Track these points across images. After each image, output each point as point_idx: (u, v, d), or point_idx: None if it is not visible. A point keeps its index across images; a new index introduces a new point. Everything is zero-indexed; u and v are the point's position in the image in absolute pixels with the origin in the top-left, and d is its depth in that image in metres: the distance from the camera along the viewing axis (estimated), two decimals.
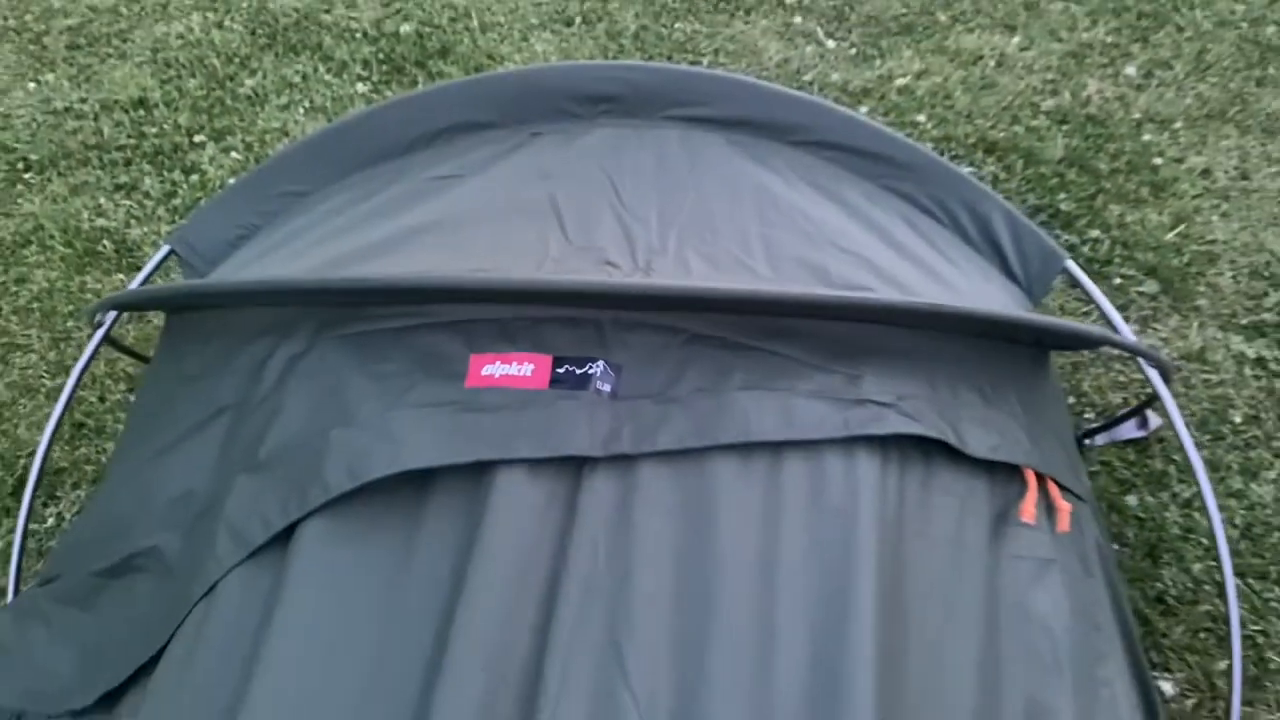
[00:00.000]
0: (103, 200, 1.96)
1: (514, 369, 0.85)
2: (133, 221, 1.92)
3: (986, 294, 1.04)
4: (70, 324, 1.75)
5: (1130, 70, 2.16)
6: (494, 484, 0.82)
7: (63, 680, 1.00)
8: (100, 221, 1.92)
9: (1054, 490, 0.98)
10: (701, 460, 0.84)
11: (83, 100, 2.19)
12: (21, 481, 1.53)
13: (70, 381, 1.19)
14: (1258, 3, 2.33)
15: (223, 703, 0.84)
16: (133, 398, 1.64)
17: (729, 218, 1.04)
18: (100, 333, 1.15)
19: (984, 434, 0.92)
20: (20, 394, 1.66)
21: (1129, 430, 1.51)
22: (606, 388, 0.84)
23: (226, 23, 2.38)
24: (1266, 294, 1.73)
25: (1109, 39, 2.25)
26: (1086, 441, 1.53)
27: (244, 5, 2.42)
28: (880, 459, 0.86)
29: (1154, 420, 1.55)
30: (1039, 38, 2.26)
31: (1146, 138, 2.01)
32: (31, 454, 1.55)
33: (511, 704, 0.76)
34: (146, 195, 1.97)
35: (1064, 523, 0.97)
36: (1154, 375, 1.12)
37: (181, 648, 0.89)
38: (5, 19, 2.39)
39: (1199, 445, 1.50)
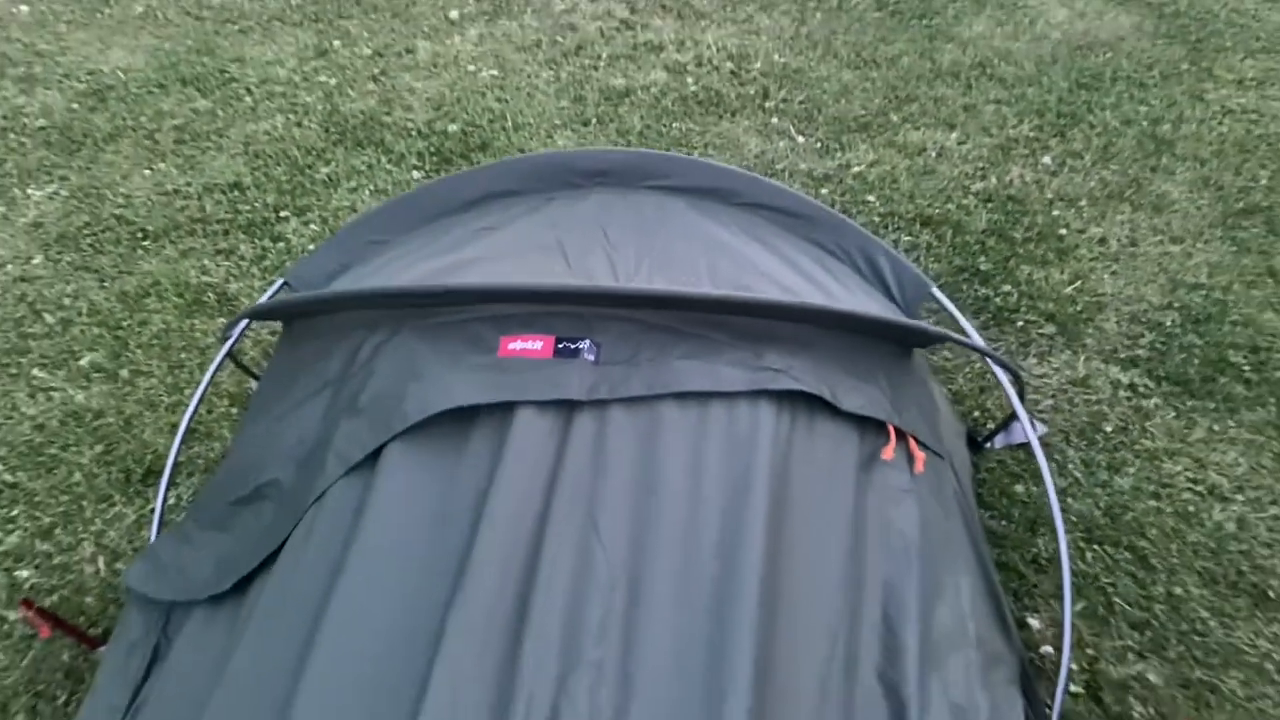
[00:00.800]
0: (206, 262, 2.41)
1: (529, 345, 1.25)
2: (231, 279, 2.36)
3: (866, 306, 1.45)
4: (183, 356, 2.18)
5: (1047, 159, 2.59)
6: (514, 420, 1.22)
7: (205, 579, 1.39)
8: (205, 278, 2.36)
9: (913, 444, 1.36)
10: (653, 405, 1.23)
11: (188, 184, 2.65)
12: (149, 471, 1.94)
13: (205, 379, 1.61)
14: (1158, 106, 2.76)
15: (326, 575, 1.22)
16: (234, 410, 2.07)
17: (684, 253, 1.45)
18: (232, 337, 1.57)
19: (855, 397, 1.31)
20: (145, 409, 2.07)
21: (1018, 435, 1.89)
22: (591, 357, 1.25)
23: (304, 123, 2.86)
24: (1142, 335, 2.12)
25: (1031, 134, 2.69)
26: (986, 445, 1.91)
27: (319, 108, 2.90)
28: (775, 408, 1.25)
29: (1040, 428, 1.94)
30: (974, 134, 2.70)
31: (1055, 213, 2.42)
32: (155, 453, 1.97)
33: (524, 555, 1.14)
34: (242, 258, 2.41)
35: (920, 466, 1.35)
36: (1002, 374, 1.51)
37: (297, 540, 1.27)
38: (124, 119, 2.88)
39: (1086, 457, 1.88)
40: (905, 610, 1.25)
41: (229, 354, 1.64)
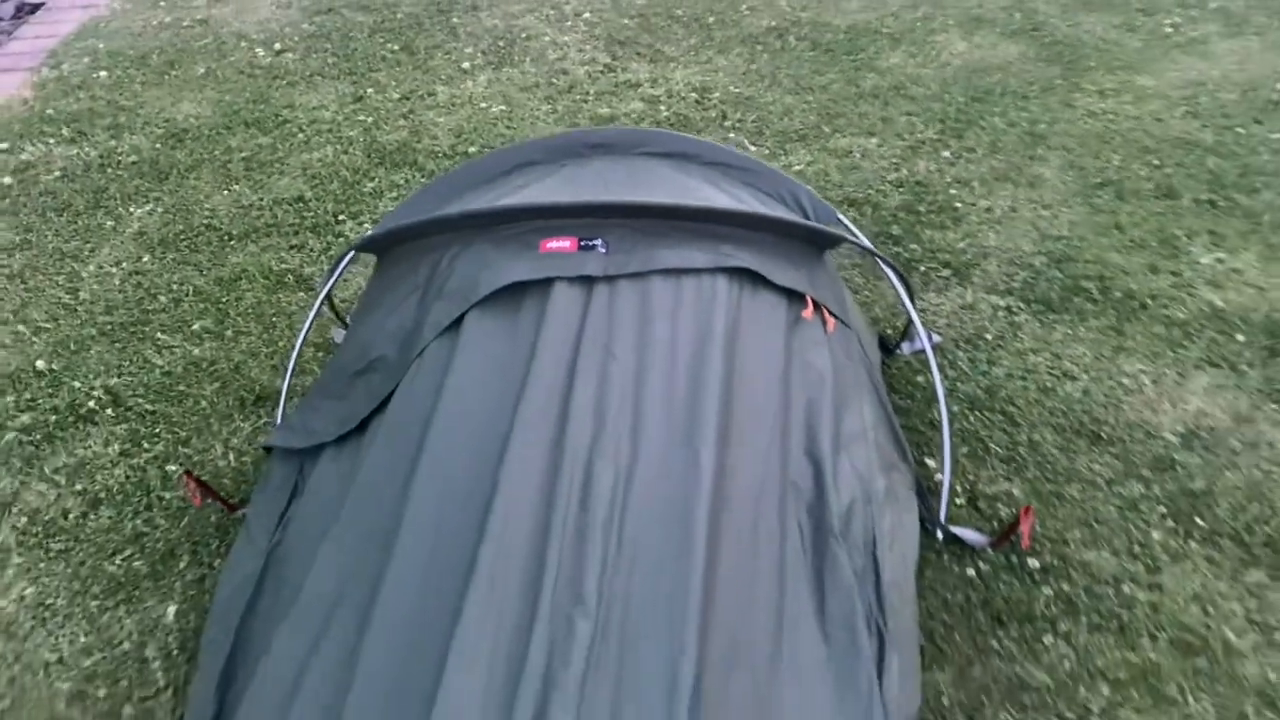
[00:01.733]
0: (283, 254, 2.96)
1: (561, 244, 1.81)
2: (304, 265, 2.91)
3: (788, 218, 2.02)
4: (274, 319, 2.72)
5: (947, 154, 3.20)
6: (552, 292, 1.76)
7: (330, 429, 1.92)
8: (283, 265, 2.91)
9: (825, 312, 1.92)
10: (646, 279, 1.78)
11: (260, 199, 3.22)
12: (258, 398, 2.46)
13: (315, 304, 2.16)
14: (1036, 111, 3.39)
15: (427, 407, 1.75)
16: (321, 355, 2.60)
17: (661, 190, 2.02)
18: (338, 270, 2.13)
19: (783, 275, 1.86)
20: (248, 357, 2.60)
21: (919, 343, 2.45)
22: (603, 250, 1.80)
23: (350, 151, 3.44)
24: (1017, 273, 2.70)
25: (935, 137, 3.30)
26: (896, 349, 2.47)
27: (360, 139, 3.49)
28: (728, 281, 1.80)
29: (936, 337, 2.50)
30: (889, 139, 3.31)
31: (952, 192, 3.02)
32: (261, 385, 2.49)
33: (564, 376, 1.67)
34: (311, 250, 2.97)
35: (830, 328, 1.91)
36: (891, 274, 2.09)
37: (403, 387, 1.81)
38: (200, 154, 3.46)
39: (970, 357, 2.45)
40: (822, 416, 1.78)
41: (328, 295, 2.20)
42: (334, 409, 1.96)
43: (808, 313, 1.87)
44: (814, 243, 2.00)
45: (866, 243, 2.03)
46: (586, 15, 4.20)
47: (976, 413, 2.29)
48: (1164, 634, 1.81)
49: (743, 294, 1.81)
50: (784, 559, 1.62)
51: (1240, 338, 2.43)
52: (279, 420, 2.20)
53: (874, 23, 4.02)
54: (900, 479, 1.94)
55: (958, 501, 2.10)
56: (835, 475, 1.73)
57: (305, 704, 1.42)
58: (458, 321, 1.80)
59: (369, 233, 2.15)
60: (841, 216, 2.09)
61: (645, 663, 1.35)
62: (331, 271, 2.16)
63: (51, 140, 3.53)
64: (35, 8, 4.74)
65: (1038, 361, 2.41)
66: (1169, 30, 3.85)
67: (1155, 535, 1.99)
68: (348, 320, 2.48)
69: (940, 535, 2.01)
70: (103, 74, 3.98)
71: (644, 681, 1.33)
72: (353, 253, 2.11)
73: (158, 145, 3.49)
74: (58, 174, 3.35)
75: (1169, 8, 4.00)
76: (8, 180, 3.31)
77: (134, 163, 3.39)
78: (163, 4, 4.52)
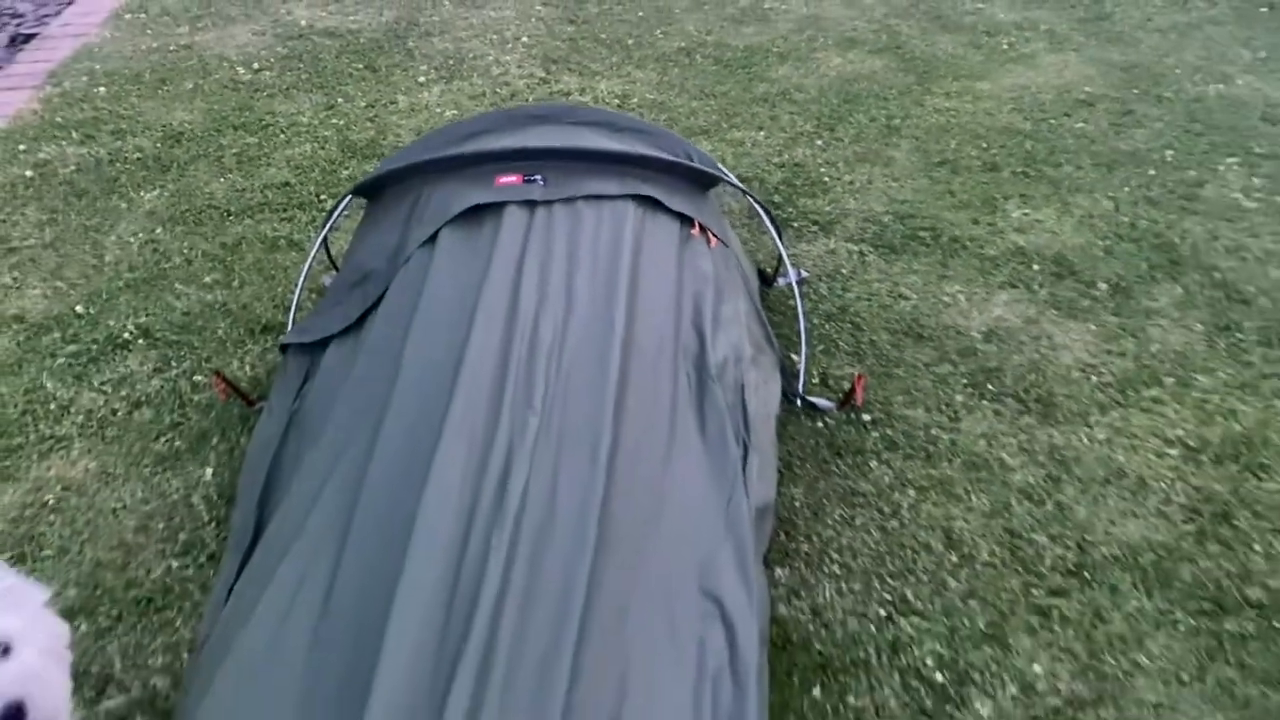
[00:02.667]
0: (277, 226, 3.51)
1: (510, 179, 2.40)
2: (294, 233, 3.47)
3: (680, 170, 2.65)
4: (273, 273, 3.26)
5: (819, 142, 3.88)
6: (504, 214, 2.35)
7: (334, 325, 2.48)
8: (277, 233, 3.46)
9: (710, 233, 2.54)
10: (575, 203, 2.36)
11: (252, 185, 3.76)
12: (265, 328, 3.00)
13: (317, 240, 2.73)
14: (893, 110, 4.09)
15: (412, 302, 2.31)
16: (315, 297, 3.15)
17: (586, 143, 2.63)
18: (339, 209, 2.70)
19: (677, 203, 2.47)
20: (254, 300, 3.13)
21: (791, 276, 3.09)
22: (542, 183, 2.41)
23: (326, 147, 4.00)
24: (869, 227, 3.36)
25: (811, 130, 3.97)
26: (774, 283, 3.09)
27: (334, 138, 4.06)
28: (635, 205, 2.41)
29: (804, 273, 3.14)
30: (775, 132, 3.98)
31: (822, 170, 3.69)
32: (267, 319, 3.04)
33: (514, 273, 2.24)
34: (299, 222, 3.52)
35: (713, 244, 2.53)
36: (760, 209, 2.72)
37: (392, 288, 2.38)
38: (197, 151, 4.00)
39: (830, 286, 3.09)
40: (705, 302, 2.37)
41: (325, 240, 2.77)
42: (337, 311, 2.51)
43: (695, 232, 2.48)
44: (699, 182, 2.62)
45: (737, 182, 2.66)
46: (524, 39, 4.83)
47: (831, 323, 2.93)
48: (958, 459, 2.45)
49: (646, 216, 2.42)
50: (675, 392, 2.20)
51: (1035, 267, 3.10)
52: (290, 327, 2.75)
53: (766, 44, 4.71)
54: (766, 359, 2.54)
55: (813, 381, 2.72)
56: (714, 342, 2.31)
57: (325, 507, 1.87)
58: (433, 237, 2.37)
59: (360, 180, 2.73)
60: (722, 167, 2.72)
61: (575, 445, 1.90)
62: (330, 214, 2.73)
63: (64, 142, 4.04)
64: (29, 38, 5.24)
65: (880, 288, 3.06)
66: (1005, 47, 4.60)
67: (958, 398, 2.63)
68: (338, 265, 3.04)
69: (799, 403, 2.62)
70: (101, 89, 4.49)
71: (574, 455, 1.87)
72: (349, 197, 2.68)
73: (158, 145, 4.02)
74: (73, 168, 3.86)
75: (1007, 30, 4.76)
76: (29, 173, 3.81)
77: (139, 159, 3.92)
78: (149, 31, 5.05)
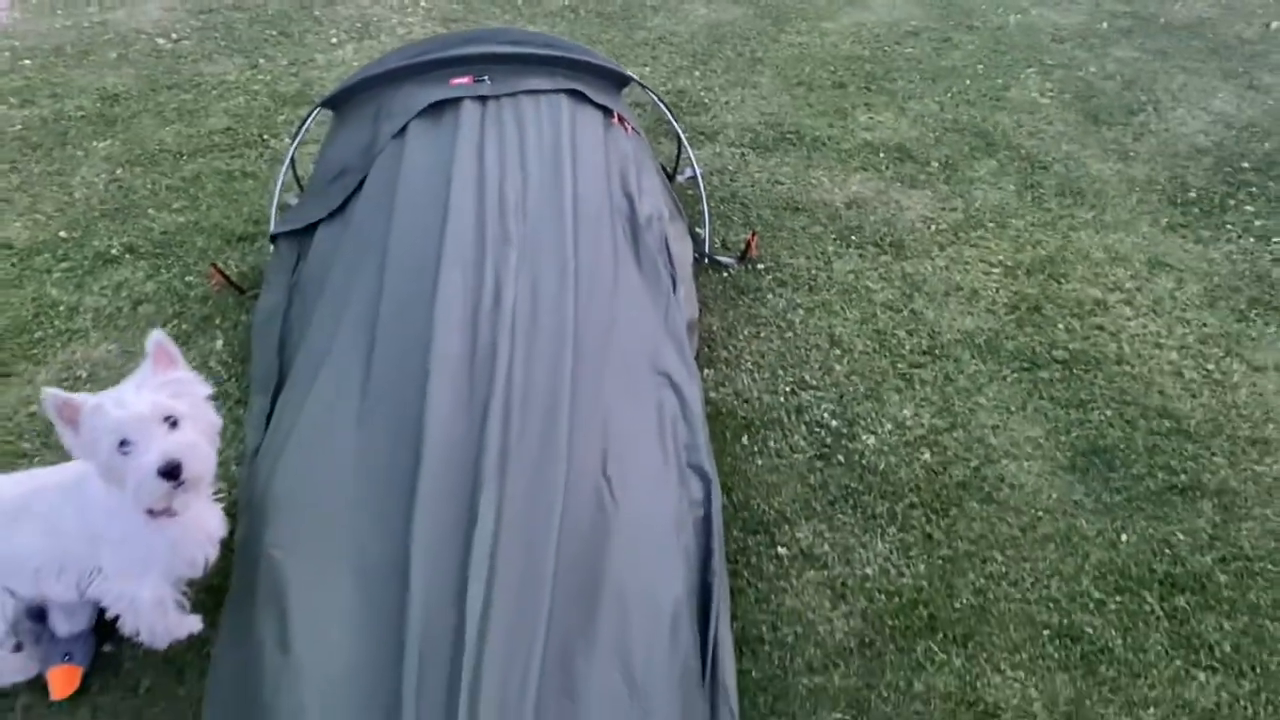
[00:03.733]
0: (228, 161, 3.84)
1: (462, 80, 2.87)
2: (246, 166, 3.83)
3: (605, 74, 3.16)
4: (236, 198, 3.63)
5: (696, 74, 4.45)
6: (461, 108, 2.82)
7: (320, 213, 2.91)
8: (230, 167, 3.81)
9: (627, 123, 3.07)
10: (519, 97, 2.85)
11: (198, 132, 4.06)
12: (239, 237, 3.38)
13: (293, 145, 3.14)
14: (755, 46, 4.70)
15: (392, 181, 2.72)
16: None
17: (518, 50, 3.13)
18: (307, 122, 3.11)
19: (599, 97, 2.97)
20: (223, 218, 3.50)
21: (687, 172, 3.64)
22: (489, 82, 2.89)
23: (258, 99, 4.33)
24: (746, 135, 3.94)
25: (688, 64, 4.54)
26: (676, 177, 3.64)
27: (264, 92, 4.40)
28: (566, 98, 2.90)
29: (700, 169, 3.70)
30: (659, 69, 4.53)
31: (702, 94, 4.26)
32: (238, 229, 3.42)
33: (476, 157, 2.71)
34: (249, 157, 3.87)
35: (629, 133, 3.06)
36: (666, 111, 3.27)
37: (372, 174, 2.81)
38: (136, 108, 4.29)
39: (720, 179, 3.66)
40: (629, 174, 2.88)
41: (293, 156, 3.18)
42: (319, 201, 2.91)
43: (615, 121, 3.01)
44: (613, 82, 3.15)
45: (642, 82, 3.21)
46: (423, 4, 5.26)
47: (724, 204, 3.50)
48: (834, 288, 3.06)
49: (575, 106, 2.92)
50: (615, 238, 2.70)
51: (881, 155, 3.76)
52: (272, 224, 3.14)
53: (640, 0, 5.28)
54: (679, 224, 3.09)
55: (716, 244, 3.28)
56: (640, 203, 2.82)
57: (346, 332, 2.29)
58: (402, 130, 2.81)
59: (328, 93, 3.14)
60: (635, 76, 3.25)
61: (547, 268, 2.37)
62: (300, 125, 3.14)
63: (3, 106, 4.27)
64: None
65: (760, 177, 3.65)
66: None
67: (830, 248, 3.24)
68: (303, 186, 3.44)
69: (708, 261, 3.18)
70: (26, 62, 4.70)
71: (548, 275, 2.35)
72: (317, 109, 3.10)
73: (98, 104, 4.29)
74: (19, 126, 4.10)
75: None
76: None
77: (82, 116, 4.19)
78: (59, 12, 5.25)
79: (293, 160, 3.17)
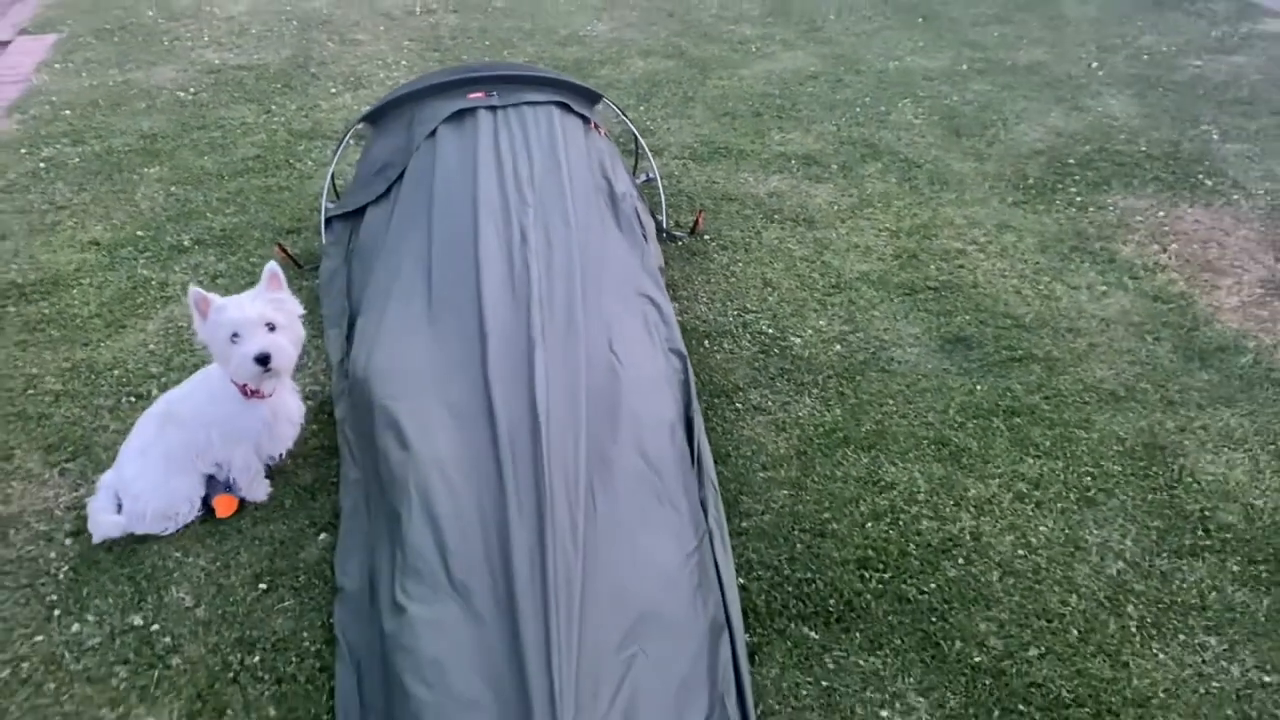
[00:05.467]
0: (265, 179, 4.57)
1: (477, 95, 3.71)
2: (280, 182, 4.57)
3: (582, 92, 4.03)
4: (275, 205, 4.38)
5: (642, 109, 5.38)
6: (478, 115, 3.65)
7: (365, 200, 3.70)
8: (267, 184, 4.55)
9: (601, 130, 3.93)
10: (520, 107, 3.69)
11: (230, 160, 4.81)
12: (288, 231, 4.14)
13: (337, 151, 3.93)
14: (688, 89, 5.65)
15: (429, 170, 3.53)
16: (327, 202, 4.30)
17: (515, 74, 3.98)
18: (345, 138, 3.90)
19: (579, 108, 3.84)
20: (270, 219, 4.24)
21: (652, 172, 4.49)
22: (497, 96, 3.74)
23: (278, 135, 5.10)
24: (685, 150, 4.85)
25: (632, 104, 5.47)
26: (640, 179, 4.50)
27: (282, 130, 5.18)
28: (557, 109, 3.76)
29: (656, 173, 4.58)
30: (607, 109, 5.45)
31: (647, 124, 5.17)
32: (291, 226, 4.18)
33: (493, 146, 3.54)
34: (283, 176, 4.63)
35: (603, 136, 3.92)
36: (630, 124, 4.15)
37: (410, 166, 3.61)
38: (174, 144, 5.02)
39: (670, 181, 4.53)
40: (606, 165, 3.70)
41: (336, 160, 3.97)
42: (366, 189, 3.68)
43: (591, 126, 3.88)
44: (587, 97, 4.02)
45: (610, 100, 4.08)
46: (403, 63, 6.11)
47: (674, 198, 4.37)
48: (764, 249, 3.93)
49: (563, 115, 3.77)
50: (600, 207, 3.52)
51: (793, 162, 4.69)
52: (322, 214, 3.90)
53: (588, 56, 6.19)
54: (643, 205, 3.94)
55: (672, 223, 4.14)
56: (616, 184, 3.67)
57: (407, 264, 3.08)
58: (433, 133, 3.63)
59: (365, 110, 3.94)
60: (607, 100, 4.13)
61: (555, 220, 3.18)
62: (344, 135, 3.93)
63: (58, 145, 4.96)
64: None
65: (700, 179, 4.55)
66: (755, 49, 6.30)
67: (758, 224, 4.13)
68: (339, 194, 4.21)
69: (665, 235, 4.04)
70: (67, 112, 5.40)
71: (556, 225, 3.15)
72: (359, 123, 3.90)
73: (141, 141, 5.01)
74: (77, 160, 4.80)
75: (755, 40, 6.48)
76: (42, 165, 4.72)
77: (129, 151, 4.90)
78: (83, 75, 5.96)
79: (336, 158, 3.95)
